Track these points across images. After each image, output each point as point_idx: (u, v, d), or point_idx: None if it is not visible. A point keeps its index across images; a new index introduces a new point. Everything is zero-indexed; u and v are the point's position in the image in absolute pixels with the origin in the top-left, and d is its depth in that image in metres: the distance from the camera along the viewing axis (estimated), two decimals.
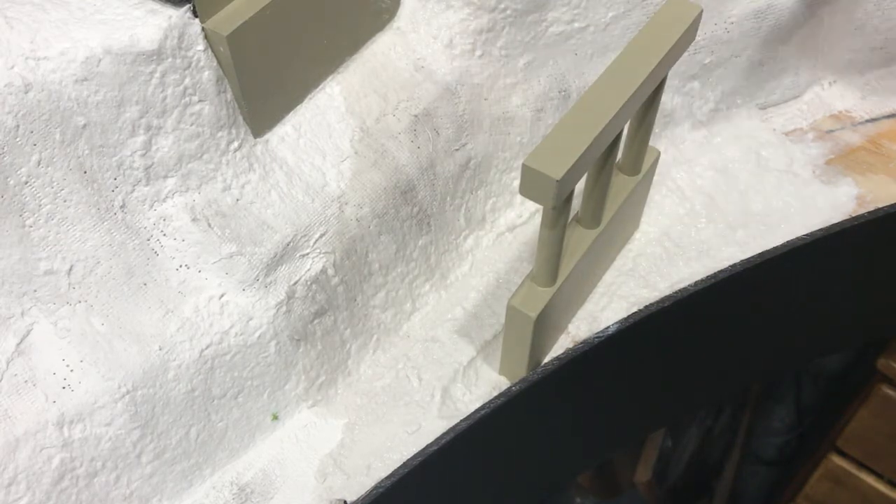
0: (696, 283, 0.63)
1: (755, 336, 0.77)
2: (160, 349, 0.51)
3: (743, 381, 0.92)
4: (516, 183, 0.68)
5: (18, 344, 0.50)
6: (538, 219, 0.68)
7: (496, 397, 0.58)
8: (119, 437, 0.50)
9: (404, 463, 0.55)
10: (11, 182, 0.47)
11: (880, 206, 0.68)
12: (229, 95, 0.54)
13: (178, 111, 0.52)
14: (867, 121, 0.76)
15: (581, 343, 0.61)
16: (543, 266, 0.53)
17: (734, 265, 0.64)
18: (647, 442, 1.35)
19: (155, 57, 0.49)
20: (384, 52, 0.62)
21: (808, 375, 1.31)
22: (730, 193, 0.70)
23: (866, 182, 0.71)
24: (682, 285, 0.63)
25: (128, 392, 0.50)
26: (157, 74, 0.50)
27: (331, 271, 0.57)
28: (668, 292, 0.63)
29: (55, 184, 0.49)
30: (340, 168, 0.58)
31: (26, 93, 0.46)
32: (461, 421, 0.57)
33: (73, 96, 0.48)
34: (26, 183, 0.48)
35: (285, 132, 0.58)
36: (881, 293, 0.81)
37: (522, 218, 0.68)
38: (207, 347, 0.53)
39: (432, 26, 0.63)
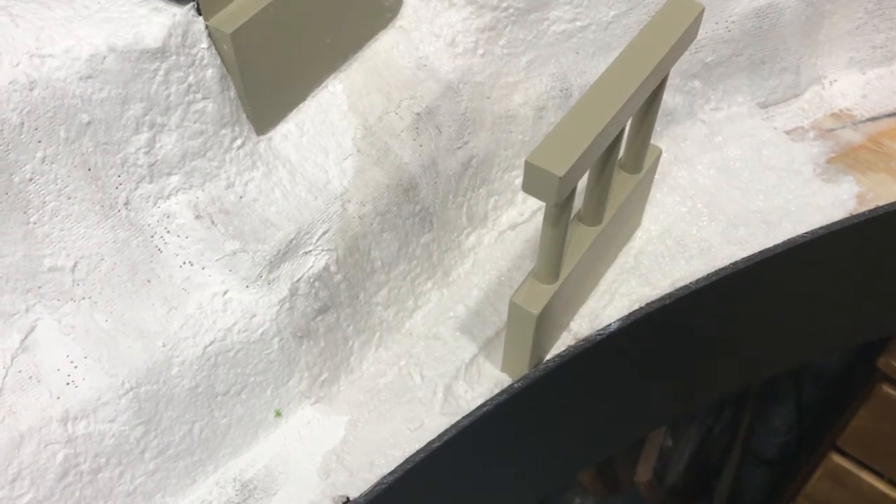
0: (697, 281, 0.63)
1: (756, 335, 0.77)
2: (164, 346, 0.51)
3: (743, 381, 0.92)
4: (518, 181, 0.68)
5: (23, 340, 0.50)
6: (540, 216, 0.68)
7: (498, 394, 0.58)
8: (123, 434, 0.51)
9: (407, 459, 0.55)
10: (16, 179, 0.48)
11: (881, 204, 0.68)
12: (233, 93, 0.54)
13: (182, 109, 0.52)
14: (868, 119, 0.77)
15: (583, 340, 0.61)
16: (546, 263, 0.53)
17: (735, 263, 0.64)
18: (647, 442, 1.35)
19: (159, 54, 0.49)
20: (387, 50, 0.62)
21: (808, 375, 1.31)
22: (731, 192, 0.70)
23: (867, 180, 0.71)
24: (683, 283, 0.63)
25: (131, 388, 0.50)
26: (161, 72, 0.50)
27: (333, 268, 0.57)
28: (669, 290, 0.63)
29: (59, 181, 0.49)
30: (343, 166, 0.58)
31: (31, 90, 0.47)
32: (463, 417, 0.57)
33: (78, 94, 0.48)
34: (31, 180, 0.48)
35: (288, 130, 0.58)
36: (881, 292, 0.81)
37: (524, 216, 0.69)
38: (211, 344, 0.53)
39: (435, 25, 0.63)
